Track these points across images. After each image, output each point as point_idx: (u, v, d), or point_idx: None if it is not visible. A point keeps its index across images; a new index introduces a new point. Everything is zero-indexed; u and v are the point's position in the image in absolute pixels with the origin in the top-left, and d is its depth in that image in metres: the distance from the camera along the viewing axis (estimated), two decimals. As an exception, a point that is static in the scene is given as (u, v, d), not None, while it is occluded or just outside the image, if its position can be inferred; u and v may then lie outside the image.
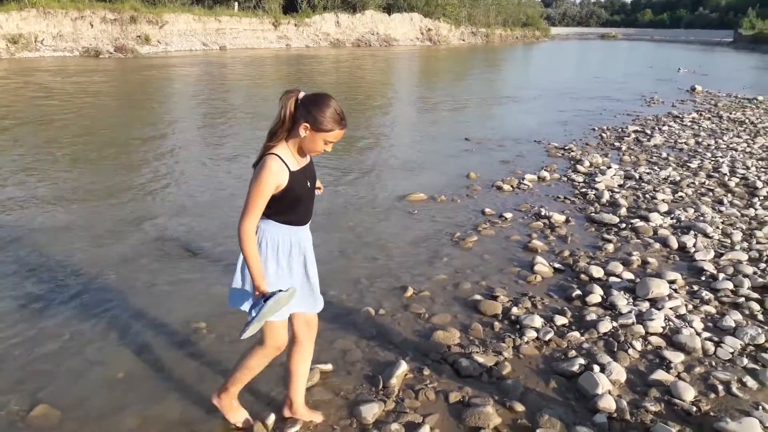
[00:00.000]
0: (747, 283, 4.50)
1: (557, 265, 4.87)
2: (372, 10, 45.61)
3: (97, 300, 4.12)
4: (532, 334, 3.72)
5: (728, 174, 8.00)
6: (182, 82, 18.49)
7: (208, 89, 16.78)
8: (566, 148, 9.65)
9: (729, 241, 5.46)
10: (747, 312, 4.10)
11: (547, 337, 3.69)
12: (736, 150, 9.70)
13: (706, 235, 5.57)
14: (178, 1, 34.07)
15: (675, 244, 5.34)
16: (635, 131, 11.32)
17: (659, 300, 4.18)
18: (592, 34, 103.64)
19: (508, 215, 6.14)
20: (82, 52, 26.04)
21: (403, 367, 3.31)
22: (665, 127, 11.81)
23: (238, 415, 2.86)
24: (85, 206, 6.17)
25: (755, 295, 4.31)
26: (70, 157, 8.26)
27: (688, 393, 3.12)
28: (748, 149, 9.79)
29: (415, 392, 3.14)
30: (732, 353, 3.56)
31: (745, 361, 3.48)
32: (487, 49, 49.09)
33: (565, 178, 7.77)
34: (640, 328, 3.79)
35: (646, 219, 6.00)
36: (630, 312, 3.99)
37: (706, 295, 4.33)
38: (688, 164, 8.57)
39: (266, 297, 2.39)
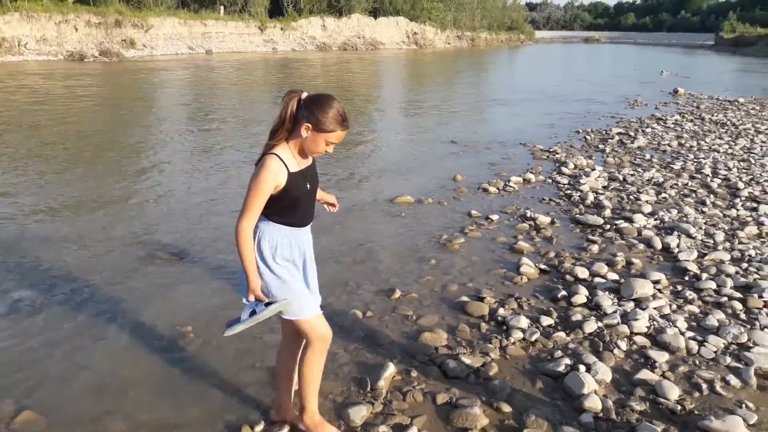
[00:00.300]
0: (730, 282, 4.56)
1: (543, 267, 4.91)
2: (358, 13, 45.70)
3: (84, 305, 4.09)
4: (519, 334, 3.75)
5: (711, 175, 8.10)
6: (169, 87, 18.40)
7: (196, 94, 16.72)
8: (551, 150, 9.72)
9: (712, 242, 5.53)
10: (730, 311, 4.15)
11: (534, 338, 3.72)
12: (718, 151, 9.82)
13: (689, 236, 5.64)
14: (164, 5, 33.93)
15: (659, 245, 5.40)
16: (619, 133, 11.43)
17: (643, 300, 4.22)
18: (576, 38, 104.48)
19: (495, 217, 6.17)
20: (67, 56, 25.83)
21: (391, 369, 3.32)
22: (648, 129, 11.94)
23: (330, 431, 2.78)
24: (72, 211, 6.12)
25: (738, 295, 4.36)
26: (56, 163, 8.19)
27: (673, 392, 3.15)
28: (729, 151, 9.91)
29: (403, 394, 3.14)
30: (715, 352, 3.61)
31: (728, 359, 3.53)
32: (473, 52, 49.33)
33: (550, 180, 7.83)
34: (624, 328, 3.83)
35: (630, 220, 6.06)
36: (615, 312, 4.03)
37: (690, 294, 4.38)
38: (672, 166, 8.67)
39: (267, 303, 2.38)
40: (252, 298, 2.45)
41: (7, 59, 23.59)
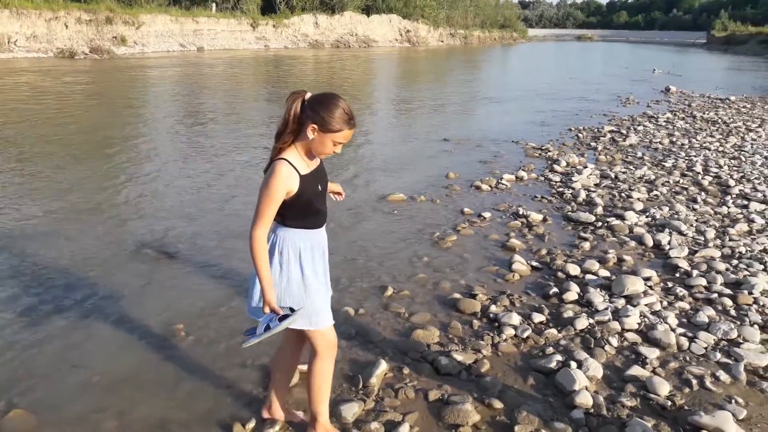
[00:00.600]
0: (720, 279, 4.59)
1: (535, 264, 4.93)
2: (351, 11, 45.61)
3: (74, 303, 4.07)
4: (510, 331, 3.76)
5: (702, 173, 8.14)
6: (161, 84, 18.31)
7: (189, 91, 16.65)
8: (543, 148, 9.75)
9: (702, 239, 5.56)
10: (720, 308, 4.18)
11: (525, 335, 3.73)
12: (709, 149, 9.88)
13: (680, 233, 5.67)
14: (155, 2, 33.74)
15: (650, 242, 5.43)
16: (611, 131, 11.47)
17: (635, 297, 4.24)
18: (568, 36, 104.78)
19: (487, 215, 6.19)
20: (57, 53, 25.65)
21: (383, 366, 3.32)
22: (640, 127, 11.99)
23: None
24: (64, 209, 6.08)
25: (728, 291, 4.39)
26: (47, 160, 8.14)
27: (663, 388, 3.17)
28: (720, 148, 9.97)
29: (395, 391, 3.15)
30: (705, 348, 3.63)
31: (718, 355, 3.55)
32: (466, 50, 49.37)
33: (543, 178, 7.85)
34: (616, 325, 3.84)
35: (621, 217, 6.08)
36: (606, 309, 4.05)
37: (681, 291, 4.41)
38: (663, 163, 8.71)
39: (281, 317, 2.35)
40: (267, 310, 2.37)
41: (-3, 56, 23.42)
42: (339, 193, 2.92)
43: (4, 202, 6.19)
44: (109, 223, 5.74)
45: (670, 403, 3.08)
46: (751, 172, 8.22)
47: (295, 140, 2.40)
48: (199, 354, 3.48)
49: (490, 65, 35.69)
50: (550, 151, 9.45)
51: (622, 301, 4.18)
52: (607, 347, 3.61)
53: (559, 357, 3.44)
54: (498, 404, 3.04)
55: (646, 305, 4.13)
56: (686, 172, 8.18)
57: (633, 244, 5.44)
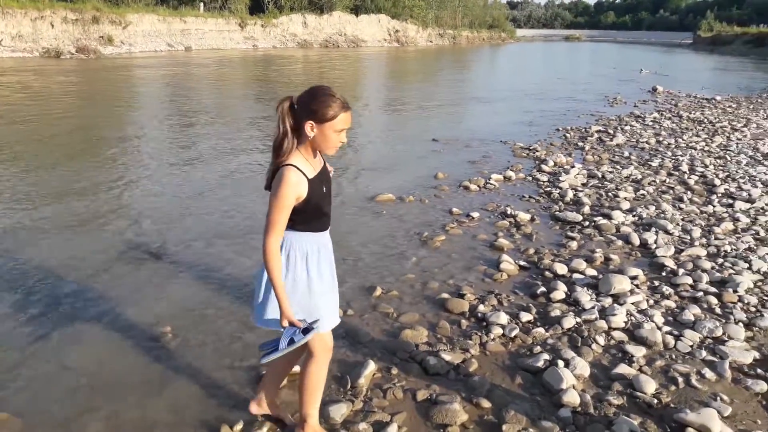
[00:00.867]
0: (705, 277, 4.63)
1: (523, 263, 4.95)
2: (339, 11, 45.60)
3: (61, 305, 4.04)
4: (498, 331, 3.77)
5: (688, 172, 8.21)
6: (150, 84, 18.21)
7: (177, 91, 16.56)
8: (531, 148, 9.79)
9: (688, 238, 5.61)
10: (705, 306, 4.22)
11: (513, 334, 3.75)
12: (695, 149, 9.96)
13: (666, 232, 5.71)
14: (142, 2, 33.55)
15: (637, 241, 5.47)
16: (598, 131, 11.53)
17: (621, 295, 4.27)
18: (556, 36, 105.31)
19: (475, 215, 6.20)
20: (43, 53, 25.43)
21: (372, 366, 3.32)
22: (627, 127, 12.07)
23: None
24: (49, 210, 6.03)
25: (713, 290, 4.43)
26: (34, 160, 8.07)
27: (650, 386, 3.20)
28: (706, 148, 10.06)
29: (383, 391, 3.15)
30: (691, 346, 3.66)
31: (704, 353, 3.58)
32: (455, 50, 49.47)
33: (530, 178, 7.89)
34: (603, 324, 3.87)
35: (608, 217, 6.12)
36: (593, 308, 4.08)
37: (667, 290, 4.44)
38: (650, 163, 8.77)
39: (304, 329, 2.35)
40: (285, 323, 2.35)
41: (-19, 56, 23.18)
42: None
43: (-11, 204, 6.13)
44: (97, 224, 5.70)
45: (656, 400, 3.10)
46: (736, 172, 8.30)
47: (297, 144, 2.36)
48: (186, 356, 3.47)
49: (479, 65, 35.79)
50: (538, 151, 9.50)
51: (608, 300, 4.21)
52: (594, 346, 3.63)
53: (546, 356, 3.46)
54: (486, 403, 3.05)
55: (632, 304, 4.16)
56: (673, 172, 8.25)
57: (620, 243, 5.48)
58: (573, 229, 5.87)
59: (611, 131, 11.52)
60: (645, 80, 23.53)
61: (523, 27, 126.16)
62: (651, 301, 4.27)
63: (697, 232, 5.71)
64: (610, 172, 8.12)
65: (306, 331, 2.36)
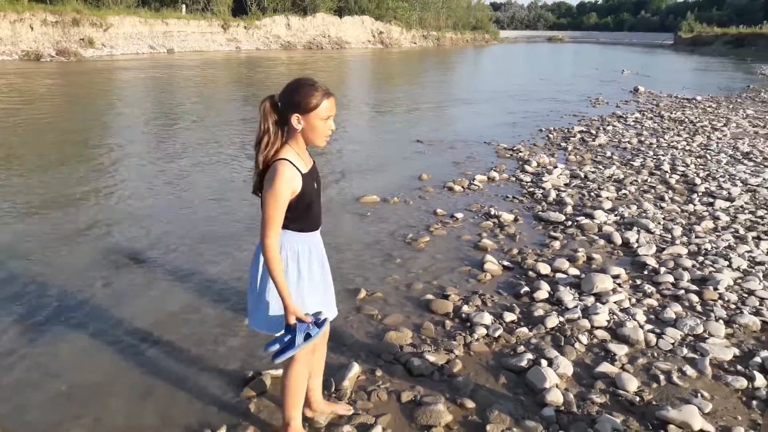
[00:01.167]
0: (686, 276, 4.68)
1: (506, 263, 4.97)
2: (323, 12, 45.56)
3: (44, 311, 3.99)
4: (482, 331, 3.78)
5: (669, 171, 8.30)
6: (132, 87, 18.05)
7: (159, 94, 16.44)
8: (515, 149, 9.84)
9: (670, 236, 5.67)
10: (686, 304, 4.26)
11: (497, 334, 3.76)
12: (676, 148, 10.07)
13: (648, 231, 5.77)
14: (123, 4, 33.29)
15: (619, 240, 5.51)
16: (581, 131, 11.62)
17: (604, 294, 4.30)
18: (539, 37, 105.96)
19: (460, 215, 6.22)
20: (22, 56, 25.14)
21: (356, 369, 3.32)
22: (609, 127, 12.17)
23: None
24: (31, 215, 5.97)
25: (694, 288, 4.48)
26: (14, 164, 7.97)
27: (632, 384, 3.22)
28: (687, 147, 10.17)
29: (368, 393, 3.15)
30: (673, 344, 3.70)
31: (685, 351, 3.62)
32: (439, 52, 49.61)
33: (514, 178, 7.92)
34: (585, 323, 3.89)
35: (591, 216, 6.17)
36: (576, 307, 4.10)
37: (649, 288, 4.48)
38: (632, 163, 8.85)
39: (317, 323, 2.35)
40: (293, 320, 2.33)
41: (-41, 59, 22.85)
42: None
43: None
44: (77, 230, 5.63)
45: (638, 398, 3.13)
46: (716, 171, 8.40)
47: (287, 140, 2.36)
48: (170, 361, 3.44)
49: (463, 67, 35.92)
50: (521, 152, 9.54)
51: (591, 299, 4.24)
52: (576, 345, 3.66)
53: (530, 355, 3.48)
54: (470, 404, 3.06)
55: (615, 302, 4.19)
56: (654, 171, 8.33)
57: (602, 242, 5.52)
58: (556, 228, 5.90)
59: (594, 131, 11.60)
60: (627, 81, 23.74)
61: (506, 28, 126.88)
62: (633, 300, 4.31)
63: (678, 231, 5.77)
64: (593, 172, 8.18)
65: (321, 324, 2.36)
